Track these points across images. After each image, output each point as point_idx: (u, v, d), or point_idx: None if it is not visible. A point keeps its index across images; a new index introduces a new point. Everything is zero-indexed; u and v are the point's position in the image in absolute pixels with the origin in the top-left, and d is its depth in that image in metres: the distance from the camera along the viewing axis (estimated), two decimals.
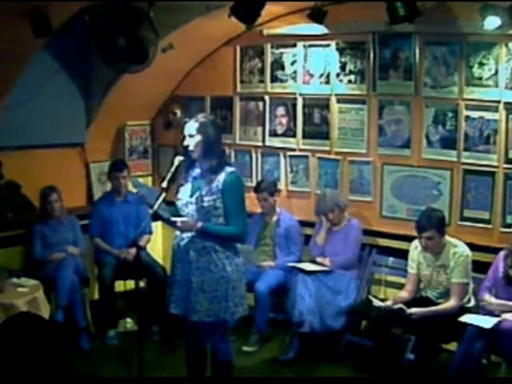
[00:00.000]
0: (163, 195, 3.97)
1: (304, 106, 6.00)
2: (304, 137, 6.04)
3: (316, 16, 5.26)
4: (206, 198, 4.01)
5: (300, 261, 5.67)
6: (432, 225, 4.68)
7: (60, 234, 5.75)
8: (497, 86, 4.96)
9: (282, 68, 6.10)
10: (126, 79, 5.95)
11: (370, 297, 5.13)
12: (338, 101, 5.81)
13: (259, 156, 6.35)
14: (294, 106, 6.06)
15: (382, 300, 5.02)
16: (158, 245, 6.80)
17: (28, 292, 5.00)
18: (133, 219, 5.92)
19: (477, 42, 5.02)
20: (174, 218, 4.02)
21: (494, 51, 4.94)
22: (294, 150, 6.13)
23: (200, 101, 6.63)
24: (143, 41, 5.10)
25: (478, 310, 4.66)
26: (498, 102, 4.97)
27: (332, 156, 5.90)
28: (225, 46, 6.38)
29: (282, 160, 6.20)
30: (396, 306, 4.67)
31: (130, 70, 5.38)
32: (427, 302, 4.81)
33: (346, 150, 5.81)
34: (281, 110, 6.17)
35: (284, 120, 6.16)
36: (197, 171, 4.14)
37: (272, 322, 5.62)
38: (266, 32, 6.05)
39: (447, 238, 4.81)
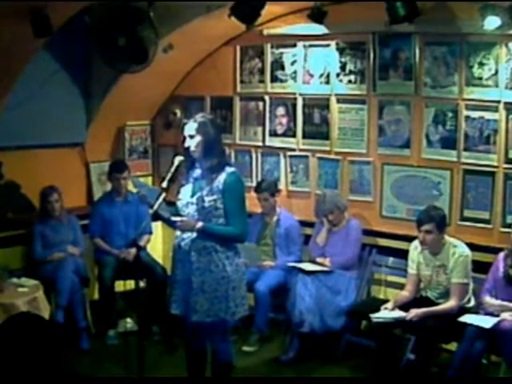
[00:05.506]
0: (163, 195, 3.98)
1: (304, 106, 6.00)
2: (304, 137, 6.04)
3: (316, 16, 5.26)
4: (206, 199, 4.01)
5: (300, 261, 5.66)
6: (432, 219, 4.67)
7: (60, 234, 5.75)
8: (497, 85, 4.96)
9: (282, 68, 6.10)
10: (126, 79, 5.95)
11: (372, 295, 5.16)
12: (338, 101, 5.81)
13: (259, 156, 6.35)
14: (294, 106, 6.06)
15: (383, 301, 5.03)
16: (158, 245, 6.79)
17: (28, 292, 4.99)
18: (133, 219, 5.92)
19: (477, 42, 5.01)
20: (174, 218, 4.03)
21: (494, 51, 4.94)
22: (294, 150, 6.12)
23: (200, 101, 6.62)
24: (143, 41, 5.11)
25: (478, 310, 4.66)
26: (498, 102, 4.97)
27: (332, 156, 5.90)
28: (225, 45, 6.38)
29: (282, 160, 6.20)
30: (396, 316, 4.69)
31: (130, 70, 5.39)
32: (427, 302, 4.80)
33: (346, 150, 5.81)
34: (281, 110, 6.17)
35: (284, 120, 6.16)
36: (198, 171, 4.14)
37: (272, 322, 5.62)
38: (266, 32, 6.05)
39: (447, 237, 4.81)
